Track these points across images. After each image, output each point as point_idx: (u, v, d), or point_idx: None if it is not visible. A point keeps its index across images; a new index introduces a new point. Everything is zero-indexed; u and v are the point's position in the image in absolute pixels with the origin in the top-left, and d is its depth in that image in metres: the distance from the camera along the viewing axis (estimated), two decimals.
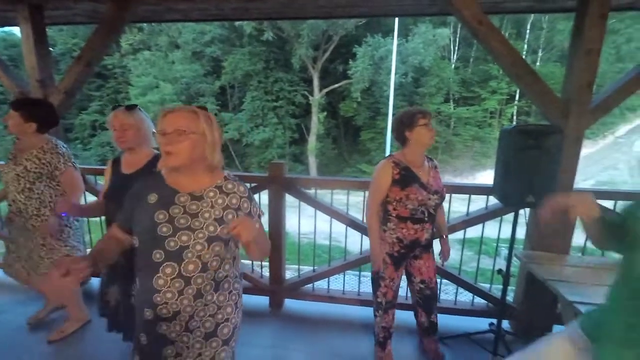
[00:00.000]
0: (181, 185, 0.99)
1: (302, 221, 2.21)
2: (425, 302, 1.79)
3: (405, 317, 2.01)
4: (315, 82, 18.90)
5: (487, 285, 2.19)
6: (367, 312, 2.27)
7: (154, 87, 17.54)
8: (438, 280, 1.89)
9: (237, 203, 1.01)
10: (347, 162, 20.24)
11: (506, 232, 1.94)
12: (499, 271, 1.87)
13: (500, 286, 1.85)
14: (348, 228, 2.15)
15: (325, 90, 19.05)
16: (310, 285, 2.29)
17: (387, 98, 15.54)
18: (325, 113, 18.98)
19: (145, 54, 18.94)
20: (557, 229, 1.82)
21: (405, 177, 1.57)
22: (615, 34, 17.59)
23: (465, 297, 2.25)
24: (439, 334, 2.02)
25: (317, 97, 18.89)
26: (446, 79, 19.26)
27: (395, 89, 14.57)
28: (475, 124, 19.56)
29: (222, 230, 0.95)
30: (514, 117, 19.68)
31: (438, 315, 1.85)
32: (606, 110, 1.70)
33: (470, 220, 1.99)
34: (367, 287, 2.36)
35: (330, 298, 2.25)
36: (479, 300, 2.17)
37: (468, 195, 2.03)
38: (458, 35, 20.05)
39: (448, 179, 16.97)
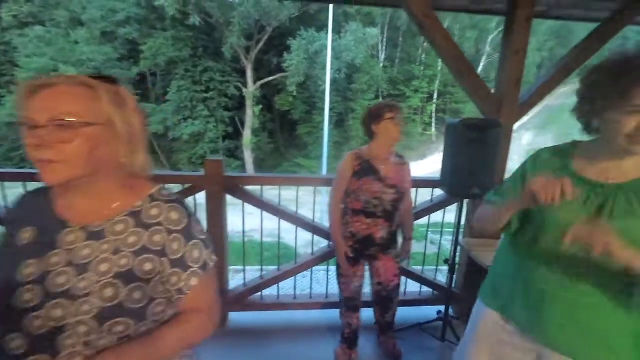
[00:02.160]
0: (74, 211, 0.61)
1: (239, 219, 1.98)
2: (381, 302, 1.76)
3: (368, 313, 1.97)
4: (249, 74, 18.13)
5: (430, 273, 2.29)
6: (323, 314, 2.17)
7: (50, 69, 14.63)
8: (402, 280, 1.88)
9: (161, 242, 0.62)
10: (285, 157, 20.06)
11: (435, 218, 2.07)
12: (446, 261, 1.95)
13: (433, 267, 1.94)
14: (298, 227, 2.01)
15: (260, 83, 18.43)
16: (258, 294, 2.09)
17: (323, 93, 15.74)
18: (260, 106, 18.38)
19: (37, 29, 15.66)
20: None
21: (363, 169, 1.55)
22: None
23: (412, 286, 2.32)
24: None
25: (251, 89, 18.16)
26: (376, 77, 20.37)
27: (329, 85, 14.84)
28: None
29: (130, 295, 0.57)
30: (433, 114, 21.92)
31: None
32: (532, 105, 1.88)
33: (419, 213, 2.02)
34: (321, 288, 2.27)
35: (281, 305, 2.09)
36: (425, 289, 2.25)
37: (415, 189, 2.06)
38: (385, 37, 21.31)
39: None
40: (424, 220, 2.13)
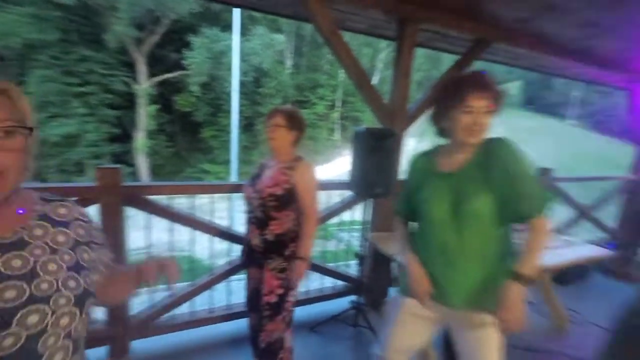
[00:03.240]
0: None
1: (138, 234, 1.78)
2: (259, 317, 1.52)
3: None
4: (142, 69, 16.00)
5: (336, 266, 2.49)
6: (243, 324, 2.10)
7: None
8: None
9: (85, 233, 0.68)
10: (188, 162, 18.41)
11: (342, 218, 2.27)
12: (356, 254, 2.16)
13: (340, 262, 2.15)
14: (209, 237, 1.91)
15: (155, 80, 16.45)
16: (168, 314, 1.89)
17: (229, 95, 15.14)
18: (157, 106, 16.41)
19: None
20: (388, 214, 2.27)
21: (255, 174, 1.57)
22: None
23: (328, 281, 2.48)
24: (311, 324, 2.14)
25: (144, 86, 16.06)
26: (283, 83, 20.77)
27: (237, 87, 14.40)
28: (309, 126, 22.08)
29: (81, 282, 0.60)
30: (337, 121, 23.67)
31: (307, 306, 1.91)
32: (417, 116, 2.25)
33: (331, 212, 2.19)
34: (240, 298, 2.19)
35: (195, 322, 1.94)
36: (340, 283, 2.43)
37: (328, 191, 2.22)
38: (292, 44, 21.98)
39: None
40: (335, 220, 2.31)
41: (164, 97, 17.26)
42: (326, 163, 20.43)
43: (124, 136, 16.12)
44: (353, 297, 2.24)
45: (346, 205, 2.22)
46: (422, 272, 1.10)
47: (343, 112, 24.23)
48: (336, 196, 2.30)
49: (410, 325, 1.17)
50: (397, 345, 1.19)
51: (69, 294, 0.57)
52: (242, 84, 17.76)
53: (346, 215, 2.42)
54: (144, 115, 15.96)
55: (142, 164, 15.98)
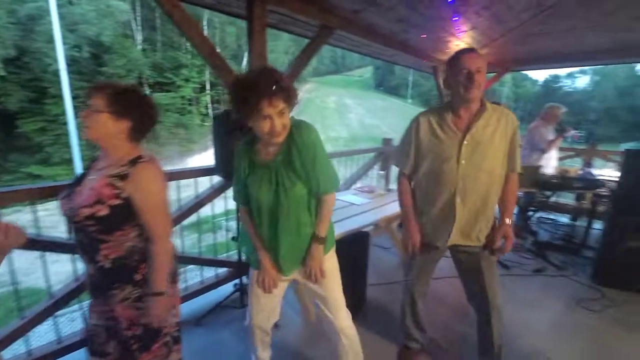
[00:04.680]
0: None
1: None
2: None
3: None
4: None
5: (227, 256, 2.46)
6: None
7: None
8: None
9: None
10: (4, 167, 13.64)
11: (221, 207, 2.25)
12: (233, 238, 2.16)
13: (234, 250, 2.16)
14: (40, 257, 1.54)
15: None
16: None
17: (56, 75, 11.79)
18: None
19: None
20: None
21: None
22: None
23: (209, 272, 2.40)
24: (195, 320, 2.06)
25: None
26: (135, 61, 17.64)
27: (68, 65, 11.28)
28: (176, 111, 19.76)
29: None
30: (209, 105, 22.01)
31: (190, 302, 1.83)
32: None
33: (202, 201, 2.09)
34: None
35: None
36: (221, 270, 2.39)
37: (194, 180, 2.10)
38: (140, 15, 18.62)
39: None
40: (208, 211, 2.23)
41: None
42: (203, 152, 18.95)
43: None
44: (237, 281, 2.26)
45: (217, 191, 2.16)
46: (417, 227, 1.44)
47: (215, 95, 22.67)
48: (205, 183, 2.20)
49: (261, 294, 1.30)
50: (258, 312, 1.33)
51: None
52: (75, 61, 14.13)
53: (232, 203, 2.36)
54: None
55: None
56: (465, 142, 1.35)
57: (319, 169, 1.14)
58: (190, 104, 20.75)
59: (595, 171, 3.66)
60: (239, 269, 2.25)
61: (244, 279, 2.24)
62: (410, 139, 1.47)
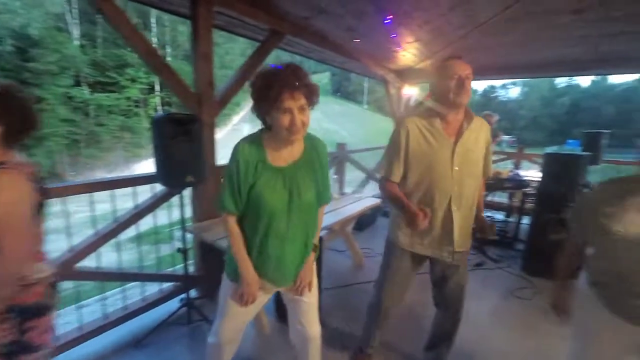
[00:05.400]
0: None
1: None
2: None
3: None
4: None
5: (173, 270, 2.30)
6: None
7: None
8: None
9: None
10: None
11: (176, 216, 2.11)
12: (179, 249, 2.03)
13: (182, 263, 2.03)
14: None
15: None
16: None
17: None
18: None
19: None
20: (209, 202, 2.24)
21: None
22: (220, 46, 23.27)
23: (153, 288, 2.22)
24: (134, 341, 1.89)
25: None
26: (71, 58, 16.02)
27: None
28: (120, 113, 18.29)
29: None
30: (159, 108, 20.66)
31: (129, 322, 1.67)
32: (225, 102, 2.26)
33: (142, 211, 1.93)
34: None
35: None
36: (166, 285, 2.23)
37: (132, 188, 1.94)
38: (76, 7, 16.96)
39: (101, 175, 14.90)
40: (153, 221, 2.07)
41: None
42: (151, 157, 17.71)
43: None
44: (183, 296, 2.12)
45: (159, 200, 2.01)
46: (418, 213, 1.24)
47: (165, 97, 21.37)
48: (146, 192, 2.05)
49: (239, 308, 1.21)
50: (230, 328, 1.24)
51: None
52: None
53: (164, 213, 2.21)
54: None
55: None
56: (457, 148, 1.34)
57: (327, 178, 1.22)
58: (137, 106, 19.32)
59: (523, 172, 4.09)
60: (186, 282, 2.11)
61: (192, 293, 2.12)
62: (399, 145, 1.39)
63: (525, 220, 3.62)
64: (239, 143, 1.08)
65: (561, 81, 43.09)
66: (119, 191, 1.86)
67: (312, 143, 1.16)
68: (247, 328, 2.06)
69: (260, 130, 1.11)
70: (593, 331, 1.11)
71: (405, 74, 4.61)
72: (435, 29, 2.83)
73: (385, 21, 2.52)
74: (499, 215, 4.52)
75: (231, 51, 24.49)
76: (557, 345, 1.98)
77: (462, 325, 1.65)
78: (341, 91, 44.74)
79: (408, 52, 3.61)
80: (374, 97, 42.45)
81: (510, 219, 4.21)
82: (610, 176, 1.07)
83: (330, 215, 2.46)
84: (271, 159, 1.08)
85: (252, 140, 1.09)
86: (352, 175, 4.63)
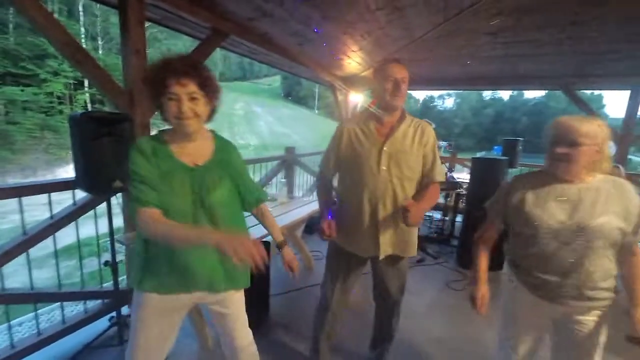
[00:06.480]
0: None
1: None
2: None
3: None
4: None
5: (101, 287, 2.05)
6: None
7: None
8: None
9: None
10: None
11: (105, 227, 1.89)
12: (106, 263, 1.83)
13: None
14: None
15: None
16: None
17: None
18: None
19: None
20: None
21: None
22: (160, 42, 21.72)
23: (76, 308, 1.97)
24: None
25: None
26: None
27: None
28: (40, 110, 16.00)
29: None
30: (88, 105, 18.50)
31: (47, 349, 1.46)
32: None
33: (58, 222, 1.69)
34: None
35: None
36: (91, 304, 1.99)
37: (48, 195, 1.69)
38: None
39: (18, 180, 12.83)
40: (91, 232, 1.82)
41: None
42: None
43: None
44: (114, 314, 1.91)
45: (80, 208, 1.79)
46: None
47: (96, 93, 19.19)
48: (67, 199, 1.80)
49: (155, 324, 1.09)
50: (148, 348, 1.10)
51: None
52: None
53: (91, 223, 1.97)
54: None
55: None
56: (385, 148, 1.35)
57: (249, 178, 1.21)
58: (61, 103, 17.08)
59: (456, 175, 4.50)
60: (116, 299, 1.90)
61: (124, 310, 1.91)
62: (334, 143, 1.50)
63: (459, 218, 3.98)
64: (138, 140, 1.05)
65: (487, 94, 48.95)
66: (37, 200, 1.61)
67: (221, 143, 1.16)
68: (189, 342, 1.94)
69: (160, 131, 1.09)
70: (514, 313, 1.27)
71: (351, 81, 4.78)
72: (375, 40, 2.99)
73: (315, 30, 2.63)
74: (437, 215, 4.91)
75: (174, 48, 23.04)
76: (487, 330, 2.20)
77: (403, 318, 1.74)
78: (292, 95, 44.83)
79: (353, 60, 3.75)
80: (325, 102, 43.34)
81: (447, 218, 4.60)
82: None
83: (279, 219, 2.43)
84: (178, 157, 1.04)
85: (152, 137, 1.07)
86: (302, 178, 4.64)
